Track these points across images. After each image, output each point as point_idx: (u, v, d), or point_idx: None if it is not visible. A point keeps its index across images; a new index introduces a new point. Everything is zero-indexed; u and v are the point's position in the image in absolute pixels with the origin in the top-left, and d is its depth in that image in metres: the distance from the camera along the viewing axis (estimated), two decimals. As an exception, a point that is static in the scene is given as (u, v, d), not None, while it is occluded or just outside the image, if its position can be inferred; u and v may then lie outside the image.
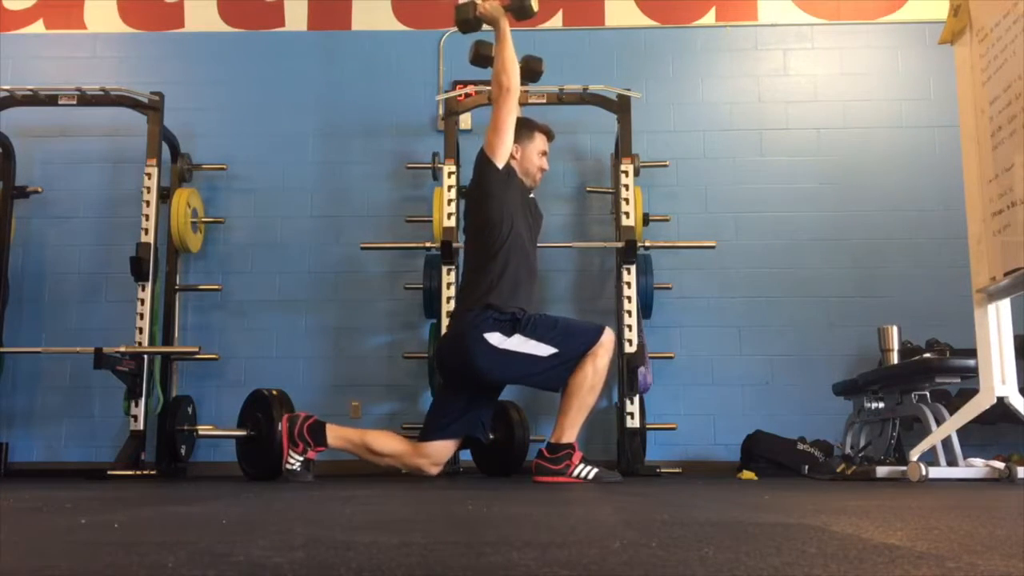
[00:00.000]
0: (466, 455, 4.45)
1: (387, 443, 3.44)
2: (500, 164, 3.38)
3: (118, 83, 4.68)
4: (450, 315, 3.66)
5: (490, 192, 3.38)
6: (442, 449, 3.40)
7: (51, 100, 4.59)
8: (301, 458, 3.34)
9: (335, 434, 3.40)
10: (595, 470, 3.25)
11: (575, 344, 3.24)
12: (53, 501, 2.18)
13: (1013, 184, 3.11)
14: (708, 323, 4.87)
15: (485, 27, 3.45)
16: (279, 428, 3.37)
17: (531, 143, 3.51)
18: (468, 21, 3.43)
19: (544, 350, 3.23)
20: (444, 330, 3.75)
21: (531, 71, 3.70)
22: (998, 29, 3.24)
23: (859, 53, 5.14)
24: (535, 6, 3.40)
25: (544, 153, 3.56)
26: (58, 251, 5.00)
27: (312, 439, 3.35)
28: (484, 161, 3.40)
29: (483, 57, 3.52)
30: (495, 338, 3.24)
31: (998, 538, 1.23)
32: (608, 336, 3.26)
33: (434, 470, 3.41)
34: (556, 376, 3.26)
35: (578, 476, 3.24)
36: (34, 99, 4.59)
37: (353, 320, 4.93)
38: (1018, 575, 0.87)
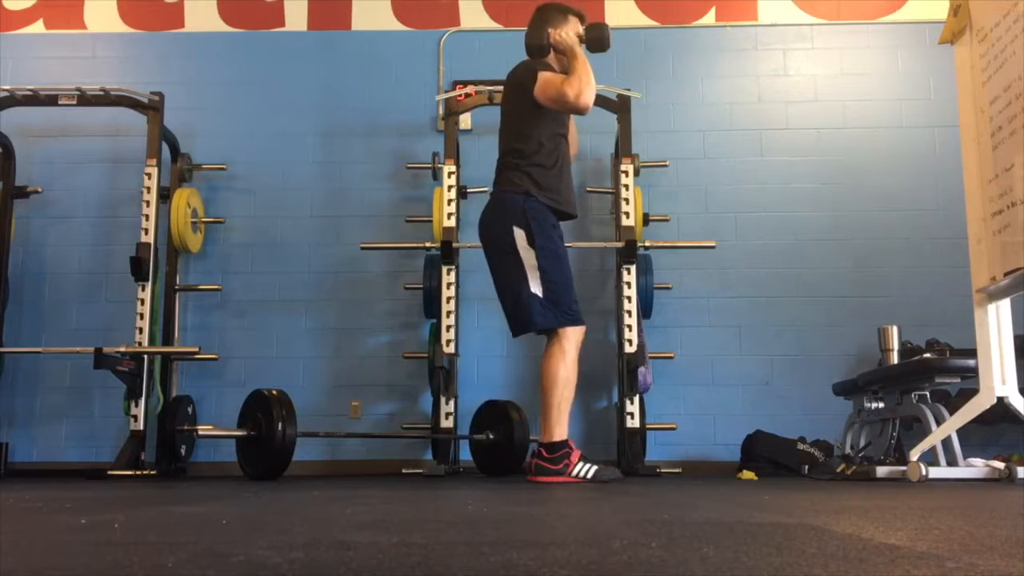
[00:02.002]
0: (466, 455, 4.46)
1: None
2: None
3: (118, 83, 4.68)
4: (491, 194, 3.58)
5: (528, 103, 3.34)
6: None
7: (51, 100, 4.59)
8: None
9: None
10: (594, 468, 3.25)
11: (559, 309, 3.24)
12: (53, 501, 2.18)
13: (1013, 184, 3.11)
14: (708, 323, 4.87)
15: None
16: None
17: (566, 26, 3.44)
18: (541, 47, 3.40)
19: (537, 285, 3.23)
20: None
21: (600, 40, 3.48)
22: (998, 29, 3.24)
23: (859, 53, 5.14)
24: (610, 39, 3.39)
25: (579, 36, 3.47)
26: (58, 251, 5.00)
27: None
28: (530, 80, 3.32)
29: (604, 40, 3.41)
30: (519, 235, 3.27)
31: (998, 538, 1.23)
32: (580, 331, 3.29)
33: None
34: (522, 319, 3.27)
35: (577, 475, 3.24)
36: (34, 99, 4.59)
37: (353, 320, 4.93)
38: (1018, 575, 0.87)
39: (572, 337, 3.28)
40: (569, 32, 3.37)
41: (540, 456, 3.28)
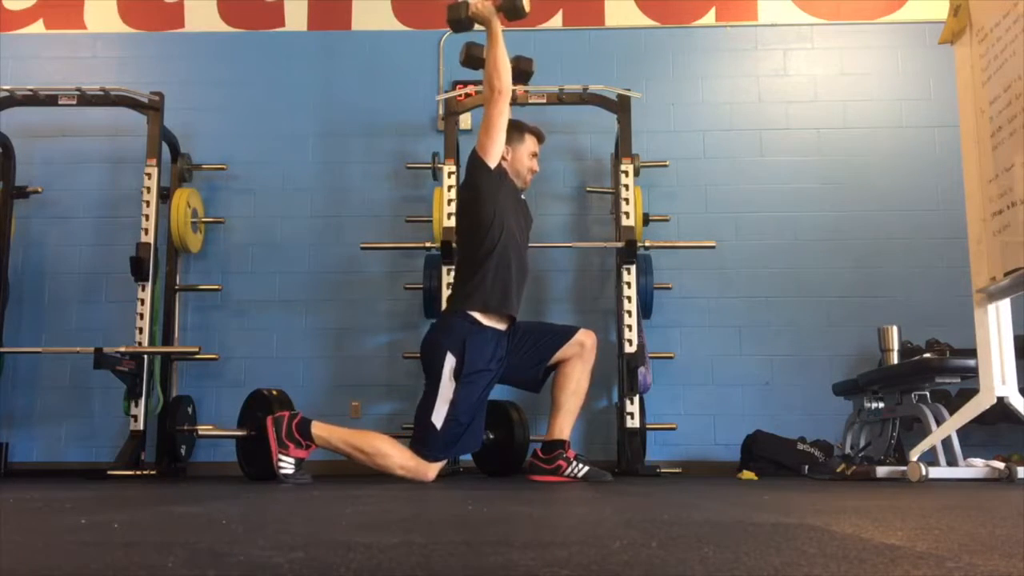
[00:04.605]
0: (466, 455, 4.45)
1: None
2: (492, 164, 3.38)
3: (118, 83, 4.68)
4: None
5: (482, 192, 3.38)
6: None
7: (51, 100, 4.59)
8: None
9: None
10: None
11: (444, 448, 3.20)
12: (53, 501, 2.18)
13: (1013, 184, 3.11)
14: (708, 323, 4.87)
15: (478, 27, 3.43)
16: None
17: (522, 144, 3.52)
18: (460, 21, 3.40)
19: (440, 417, 3.19)
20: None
21: (522, 72, 3.65)
22: (998, 29, 3.24)
23: (859, 53, 5.14)
24: (527, 6, 3.36)
25: (534, 155, 3.56)
26: (58, 251, 5.00)
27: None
28: (476, 162, 3.40)
29: (474, 59, 3.49)
30: (449, 362, 3.21)
31: (998, 538, 1.23)
32: (437, 468, 3.22)
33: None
34: (415, 437, 3.25)
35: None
36: (34, 99, 4.59)
37: (353, 320, 4.93)
38: (1018, 575, 0.87)
39: (417, 468, 3.18)
40: (487, 4, 3.36)
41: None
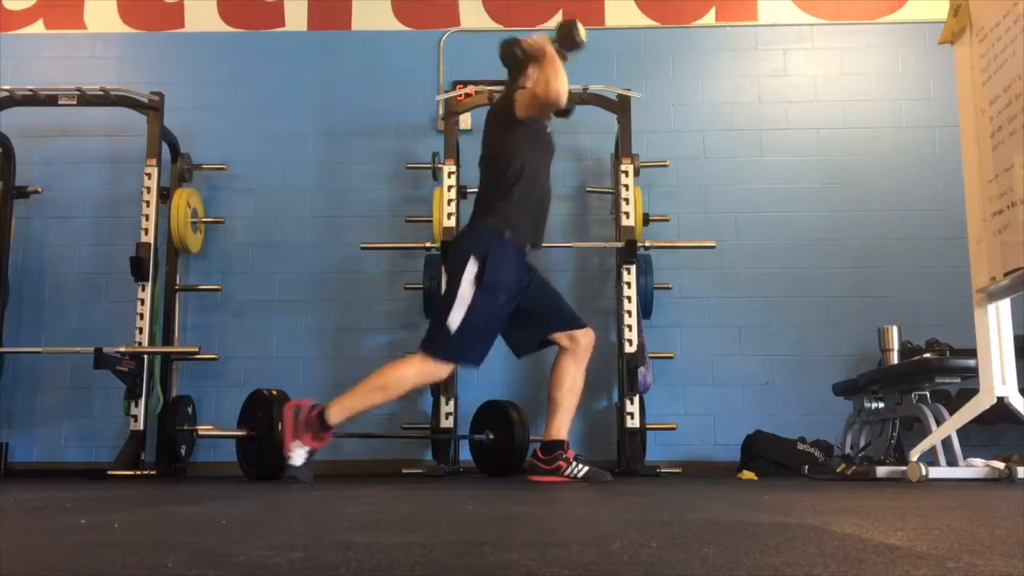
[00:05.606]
0: (466, 455, 4.46)
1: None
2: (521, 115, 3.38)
3: (118, 83, 4.68)
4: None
5: (510, 128, 3.40)
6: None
7: (51, 100, 4.58)
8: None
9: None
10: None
11: (457, 346, 3.25)
12: (53, 501, 2.18)
13: (1013, 184, 3.11)
14: (708, 323, 4.87)
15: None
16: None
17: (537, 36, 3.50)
18: (514, 55, 3.41)
19: (456, 319, 3.21)
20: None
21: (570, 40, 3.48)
22: (998, 29, 3.24)
23: (859, 53, 5.14)
24: (584, 36, 3.37)
25: None
26: (58, 251, 5.00)
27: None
28: (509, 105, 3.39)
29: (514, 55, 3.44)
30: (472, 267, 3.24)
31: (998, 538, 1.23)
32: (446, 369, 3.31)
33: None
34: (429, 339, 3.29)
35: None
36: (34, 99, 4.59)
37: (353, 320, 4.93)
38: (1019, 575, 0.87)
39: (432, 370, 3.28)
40: (537, 37, 3.40)
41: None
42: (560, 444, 3.35)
